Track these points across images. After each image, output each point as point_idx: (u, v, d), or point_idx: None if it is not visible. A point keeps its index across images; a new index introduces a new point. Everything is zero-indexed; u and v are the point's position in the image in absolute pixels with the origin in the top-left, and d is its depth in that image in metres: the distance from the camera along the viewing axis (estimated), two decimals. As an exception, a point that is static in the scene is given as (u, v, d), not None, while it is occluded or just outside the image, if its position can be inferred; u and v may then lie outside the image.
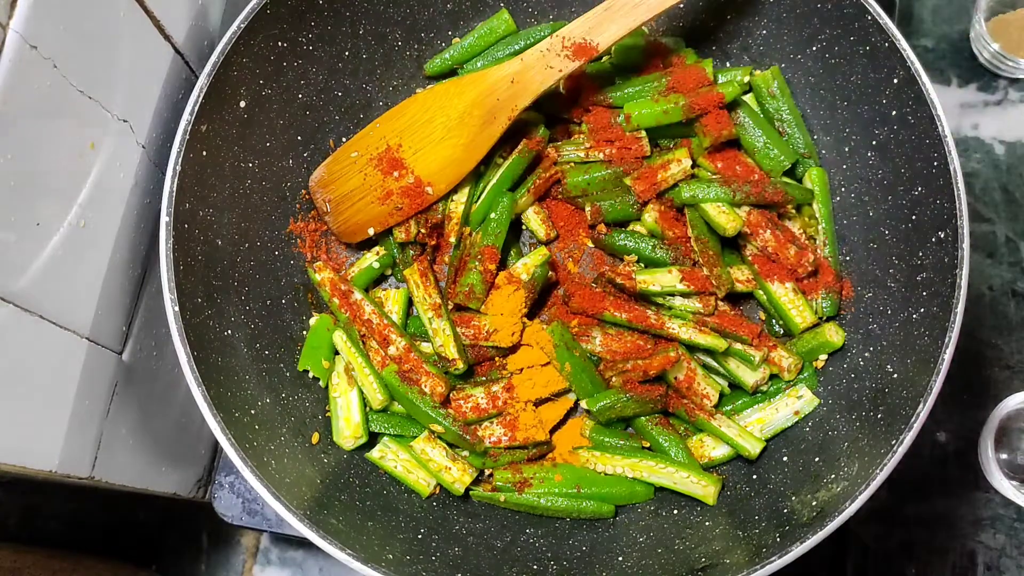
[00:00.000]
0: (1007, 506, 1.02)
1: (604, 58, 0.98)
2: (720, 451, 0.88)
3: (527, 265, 0.92)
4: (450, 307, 0.92)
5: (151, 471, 0.93)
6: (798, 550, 0.72)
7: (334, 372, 0.90)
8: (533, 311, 0.94)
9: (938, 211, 0.80)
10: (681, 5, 0.89)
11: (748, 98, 0.96)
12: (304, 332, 0.93)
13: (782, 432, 0.88)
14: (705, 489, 0.85)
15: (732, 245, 0.93)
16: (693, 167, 0.93)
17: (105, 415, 0.83)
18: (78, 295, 0.78)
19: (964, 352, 1.05)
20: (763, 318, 0.94)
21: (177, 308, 0.77)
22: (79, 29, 0.73)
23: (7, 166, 0.66)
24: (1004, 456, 1.01)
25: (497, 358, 0.93)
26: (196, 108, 0.80)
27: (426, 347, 0.92)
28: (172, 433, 0.97)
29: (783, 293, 0.90)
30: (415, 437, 0.88)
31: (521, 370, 0.91)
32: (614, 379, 0.88)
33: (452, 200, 0.95)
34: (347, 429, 0.88)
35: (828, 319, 0.91)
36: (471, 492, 0.88)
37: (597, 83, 0.97)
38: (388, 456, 0.88)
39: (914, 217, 0.84)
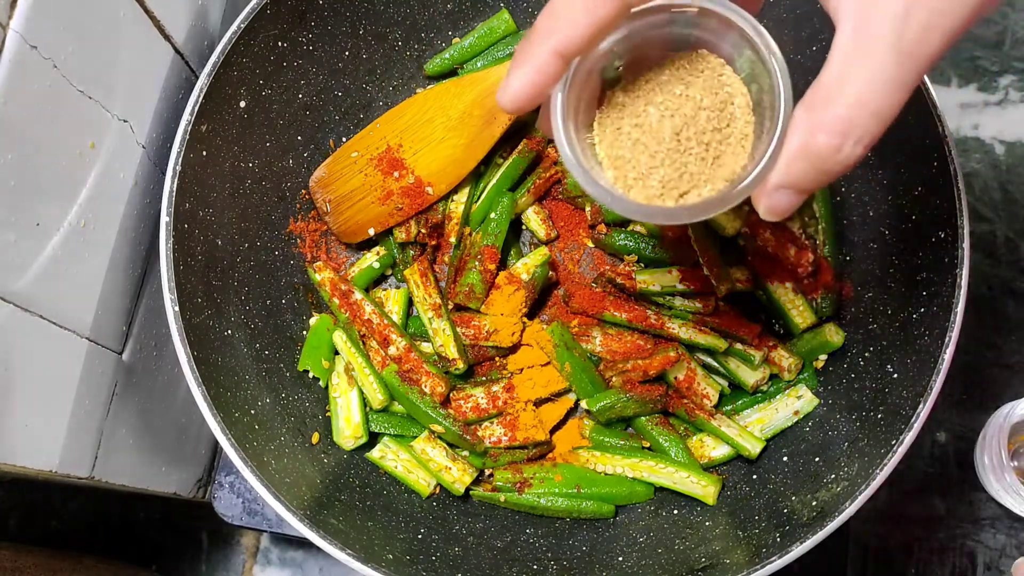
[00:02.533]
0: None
1: (604, 58, 0.98)
2: (720, 451, 0.88)
3: (527, 265, 0.92)
4: (450, 307, 0.92)
5: (151, 471, 0.93)
6: (798, 550, 0.72)
7: (334, 372, 0.91)
8: (533, 311, 0.94)
9: (938, 211, 0.80)
10: (681, 5, 0.89)
11: (748, 98, 0.96)
12: (304, 332, 0.93)
13: (782, 432, 0.88)
14: (705, 489, 0.85)
15: (732, 245, 0.93)
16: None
17: (105, 415, 0.83)
18: (78, 295, 0.78)
19: (964, 352, 1.05)
20: (763, 318, 0.94)
21: (177, 308, 0.77)
22: (79, 29, 0.73)
23: (7, 166, 0.66)
24: (1015, 464, 1.00)
25: (497, 358, 0.93)
26: (196, 108, 0.80)
27: (426, 347, 0.92)
28: (172, 433, 0.97)
29: (783, 293, 0.90)
30: (415, 437, 0.89)
31: (521, 370, 0.91)
32: (614, 379, 0.88)
33: (452, 200, 0.95)
34: (347, 429, 0.88)
35: (828, 319, 0.91)
36: (471, 492, 0.88)
37: (597, 83, 0.97)
38: (388, 456, 0.88)
39: (914, 217, 0.84)
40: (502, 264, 0.94)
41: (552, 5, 0.48)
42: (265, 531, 1.00)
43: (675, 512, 0.87)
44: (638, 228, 0.95)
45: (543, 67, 0.48)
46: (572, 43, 0.48)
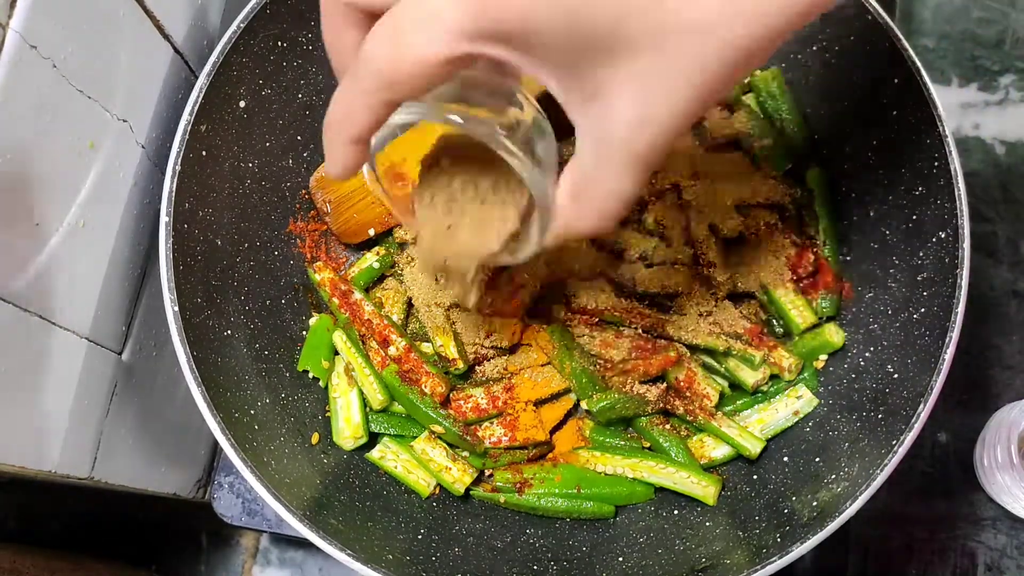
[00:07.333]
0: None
1: (604, 58, 0.98)
2: (720, 451, 0.88)
3: (527, 265, 0.91)
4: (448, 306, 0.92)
5: (151, 471, 0.93)
6: (798, 550, 0.72)
7: (334, 372, 0.90)
8: (533, 311, 0.93)
9: (938, 211, 0.80)
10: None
11: (748, 98, 0.96)
12: (304, 332, 0.93)
13: (782, 432, 0.88)
14: (705, 489, 0.85)
15: (732, 245, 0.93)
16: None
17: (105, 415, 0.83)
18: (78, 295, 0.78)
19: (965, 352, 1.05)
20: (763, 318, 0.94)
21: (177, 308, 0.77)
22: (79, 29, 0.73)
23: (6, 166, 0.66)
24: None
25: (497, 358, 0.93)
26: (196, 108, 0.80)
27: (426, 347, 0.92)
28: (172, 433, 0.97)
29: (783, 293, 0.90)
30: (415, 437, 0.88)
31: (521, 370, 0.91)
32: (614, 379, 0.88)
33: (452, 200, 0.95)
34: (347, 429, 0.88)
35: (828, 319, 0.91)
36: (471, 492, 0.88)
37: (597, 83, 0.97)
38: (388, 456, 0.88)
39: (914, 217, 0.84)
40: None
41: (335, 101, 0.56)
42: (265, 531, 1.00)
43: (675, 512, 0.86)
44: (638, 228, 0.95)
45: (348, 154, 0.57)
46: (358, 135, 0.55)
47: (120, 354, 0.86)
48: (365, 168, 0.64)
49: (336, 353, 0.92)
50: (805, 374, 0.90)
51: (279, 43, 0.88)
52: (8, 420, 0.69)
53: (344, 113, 0.56)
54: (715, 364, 0.90)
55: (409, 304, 0.95)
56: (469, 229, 0.65)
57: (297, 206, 0.95)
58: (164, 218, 0.78)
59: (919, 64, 0.82)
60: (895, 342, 0.83)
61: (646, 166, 0.53)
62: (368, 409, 0.90)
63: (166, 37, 0.87)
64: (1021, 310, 1.09)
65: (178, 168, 0.79)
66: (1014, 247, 1.10)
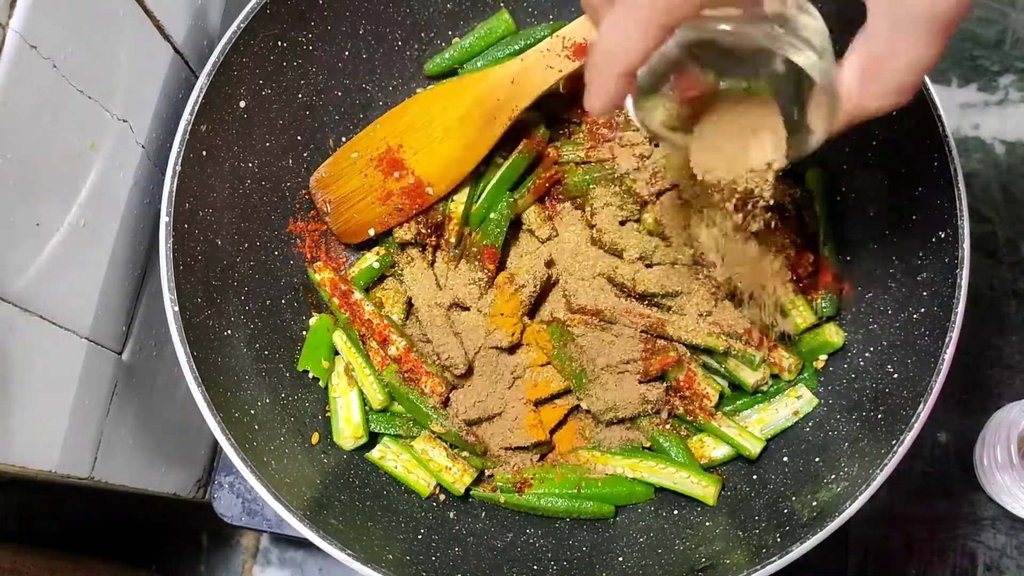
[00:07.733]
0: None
1: (604, 58, 0.98)
2: (720, 451, 0.88)
3: (527, 265, 0.91)
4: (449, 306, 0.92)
5: (151, 471, 0.93)
6: (798, 550, 0.72)
7: (334, 372, 0.90)
8: (533, 311, 0.94)
9: (938, 211, 0.80)
10: (681, 5, 0.89)
11: (748, 98, 0.96)
12: (304, 332, 0.93)
13: (782, 432, 0.88)
14: (705, 489, 0.85)
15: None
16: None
17: (105, 415, 0.83)
18: (78, 295, 0.78)
19: (964, 352, 1.05)
20: (763, 318, 0.94)
21: (177, 308, 0.77)
22: (79, 29, 0.73)
23: (6, 166, 0.66)
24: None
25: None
26: (196, 108, 0.80)
27: (426, 347, 0.92)
28: (172, 433, 0.97)
29: (783, 293, 0.90)
30: (415, 437, 0.88)
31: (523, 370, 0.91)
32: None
33: (452, 200, 0.95)
34: (347, 429, 0.88)
35: (828, 319, 0.91)
36: (471, 492, 0.88)
37: (597, 83, 0.97)
38: (388, 456, 0.88)
39: (914, 217, 0.84)
40: (502, 264, 0.94)
41: (605, 34, 0.55)
42: (265, 531, 1.00)
43: (675, 512, 0.86)
44: (638, 228, 0.95)
45: (620, 86, 0.56)
46: (632, 64, 0.54)
47: (120, 354, 0.86)
48: (629, 102, 0.66)
49: (336, 353, 0.92)
50: (805, 374, 0.90)
51: (279, 43, 0.88)
52: (9, 420, 0.69)
53: (617, 44, 0.54)
54: (715, 364, 0.90)
55: (409, 304, 0.95)
56: (756, 145, 0.68)
57: (297, 206, 0.95)
58: (164, 218, 0.78)
59: (919, 64, 0.81)
60: (895, 342, 0.83)
61: (948, 29, 0.52)
62: (368, 409, 0.90)
63: (166, 37, 0.87)
64: (1021, 310, 1.09)
65: (178, 168, 0.79)
66: (1014, 247, 1.10)
